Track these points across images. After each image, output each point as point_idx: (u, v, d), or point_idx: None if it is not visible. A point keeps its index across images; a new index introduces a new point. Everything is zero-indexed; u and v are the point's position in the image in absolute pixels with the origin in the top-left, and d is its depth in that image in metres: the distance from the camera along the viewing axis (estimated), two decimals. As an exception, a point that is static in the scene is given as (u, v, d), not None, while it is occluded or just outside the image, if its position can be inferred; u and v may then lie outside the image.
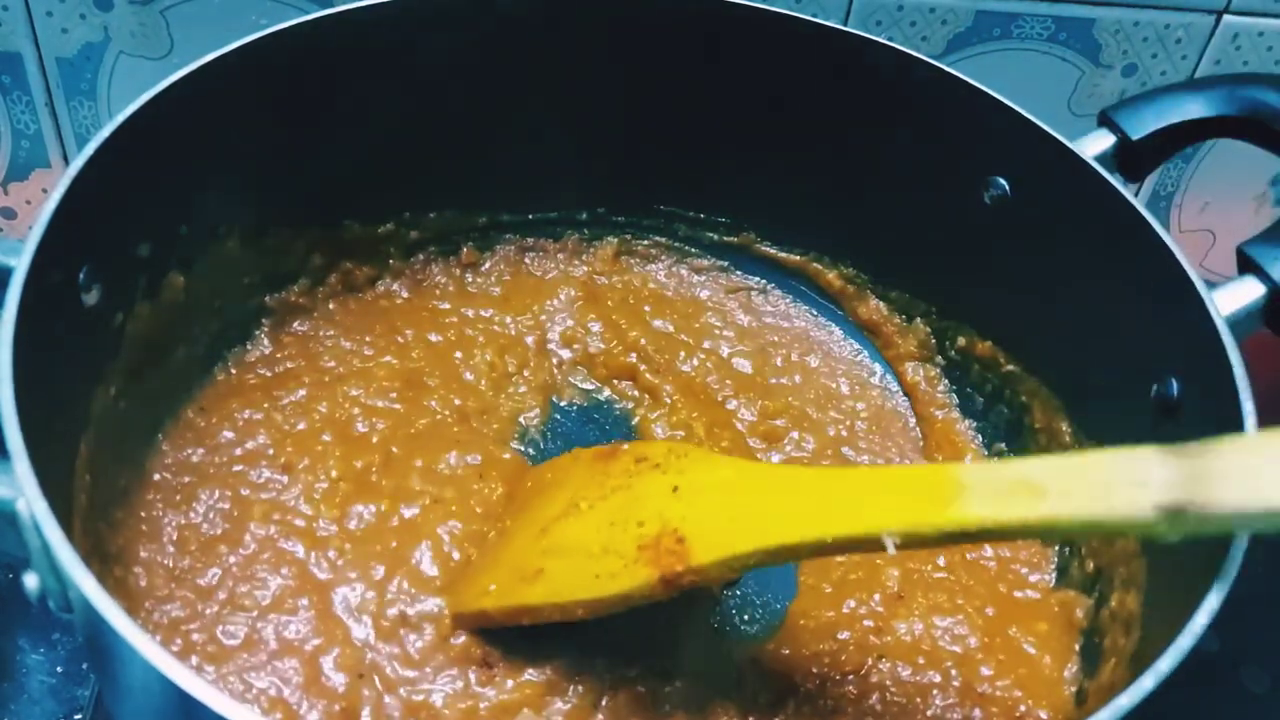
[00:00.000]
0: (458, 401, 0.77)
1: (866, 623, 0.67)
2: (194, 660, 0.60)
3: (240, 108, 0.69)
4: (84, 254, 0.60)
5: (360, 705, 0.60)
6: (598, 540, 0.60)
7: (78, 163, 0.58)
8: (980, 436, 0.81)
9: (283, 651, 0.61)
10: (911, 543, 0.50)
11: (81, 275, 0.60)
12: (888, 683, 0.64)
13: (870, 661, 0.65)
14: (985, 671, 0.66)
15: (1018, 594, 0.71)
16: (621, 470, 0.64)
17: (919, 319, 0.85)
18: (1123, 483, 0.46)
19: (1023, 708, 0.64)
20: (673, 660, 0.63)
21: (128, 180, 0.62)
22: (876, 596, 0.68)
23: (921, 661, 0.66)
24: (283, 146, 0.74)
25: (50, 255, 0.55)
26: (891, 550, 0.50)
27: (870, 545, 0.51)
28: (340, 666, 0.61)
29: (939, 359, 0.84)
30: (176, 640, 0.61)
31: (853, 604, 0.68)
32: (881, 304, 0.86)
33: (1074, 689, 0.66)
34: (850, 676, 0.64)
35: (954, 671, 0.65)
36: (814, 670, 0.65)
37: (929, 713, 0.64)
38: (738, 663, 0.65)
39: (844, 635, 0.66)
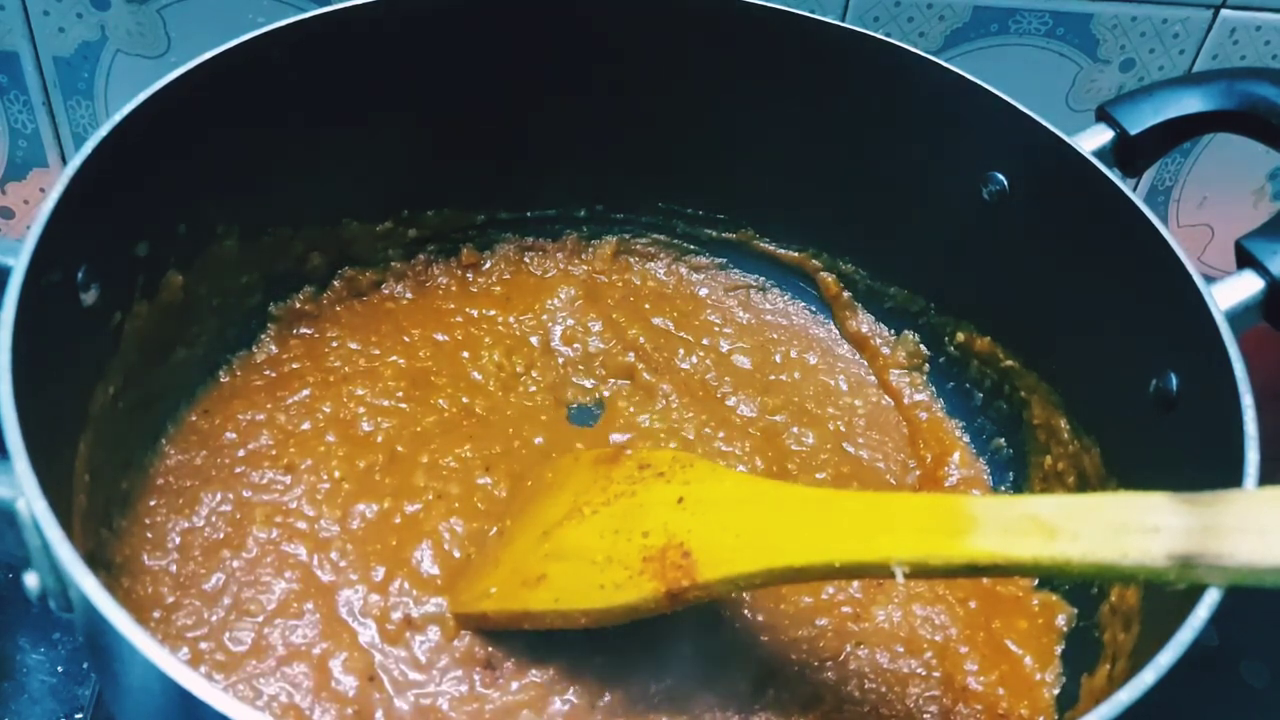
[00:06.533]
0: (465, 400, 0.77)
1: (845, 609, 0.67)
2: (203, 669, 0.60)
3: (238, 107, 0.69)
4: (82, 253, 0.60)
5: (373, 709, 0.60)
6: (601, 548, 0.60)
7: (75, 162, 0.58)
8: (969, 435, 0.81)
9: (291, 656, 0.61)
10: (920, 573, 0.50)
11: (80, 275, 0.60)
12: (866, 670, 0.65)
13: (849, 648, 0.65)
14: (970, 667, 0.66)
15: (1000, 589, 0.71)
16: (624, 476, 0.64)
17: (908, 330, 0.85)
18: (1135, 528, 0.46)
19: (1004, 705, 0.64)
20: (664, 655, 0.63)
21: (125, 179, 0.62)
22: (855, 583, 0.68)
23: (900, 650, 0.66)
24: (280, 145, 0.73)
25: (48, 255, 0.55)
26: (900, 579, 0.49)
27: (878, 572, 0.50)
28: (350, 669, 0.61)
29: (928, 366, 0.85)
30: (184, 649, 0.61)
31: (831, 590, 0.68)
32: (870, 317, 0.87)
33: (1055, 692, 0.66)
34: (829, 663, 0.65)
35: (934, 661, 0.66)
36: (792, 656, 0.65)
37: (908, 702, 0.64)
38: (719, 651, 0.65)
39: (822, 621, 0.67)
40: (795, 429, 0.79)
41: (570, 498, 0.65)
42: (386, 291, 0.84)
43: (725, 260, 0.91)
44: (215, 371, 0.76)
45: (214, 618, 0.63)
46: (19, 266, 0.53)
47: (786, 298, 0.90)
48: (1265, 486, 0.51)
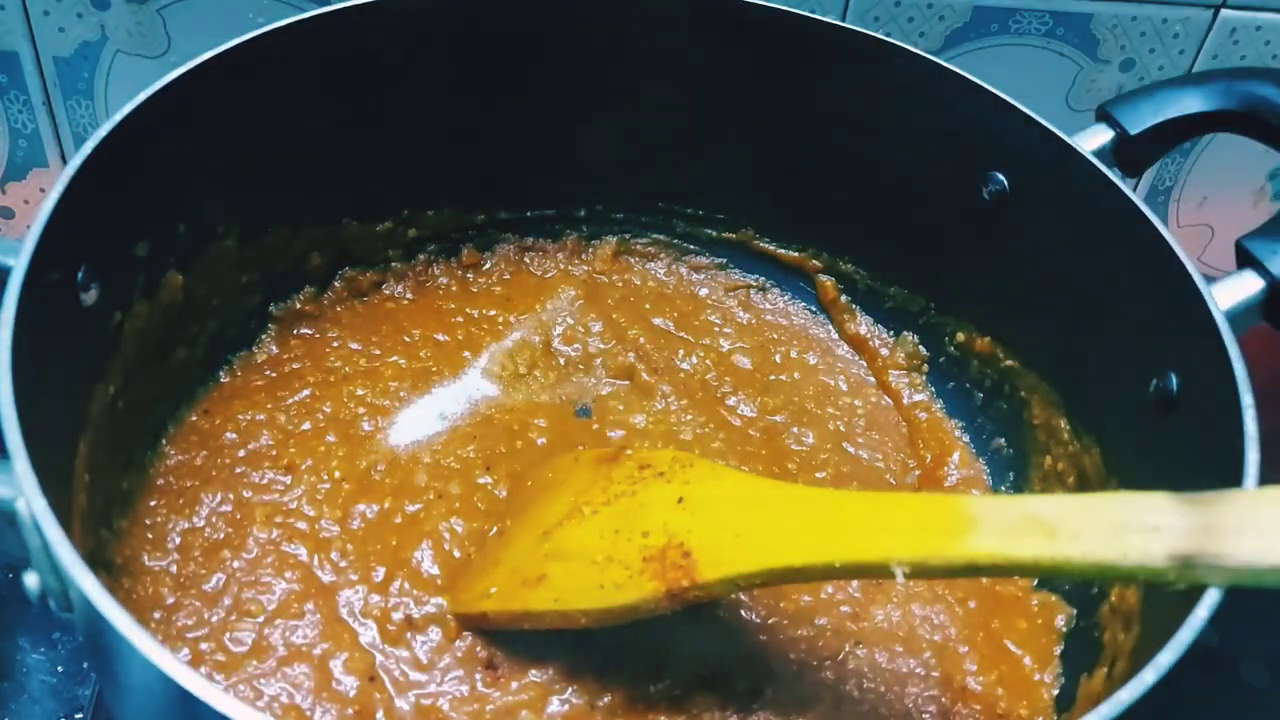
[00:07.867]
0: (465, 400, 0.77)
1: (844, 609, 0.67)
2: (204, 670, 0.60)
3: (237, 107, 0.69)
4: (82, 253, 0.60)
5: (374, 709, 0.60)
6: (601, 548, 0.60)
7: (75, 162, 0.58)
8: (969, 435, 0.81)
9: (292, 657, 0.61)
10: (920, 573, 0.50)
11: (80, 274, 0.60)
12: (865, 669, 0.65)
13: (847, 648, 0.65)
14: (969, 666, 0.66)
15: (999, 589, 0.71)
16: (625, 476, 0.64)
17: (908, 331, 0.85)
18: (1135, 528, 0.46)
19: (1003, 706, 0.64)
20: (664, 655, 0.63)
21: (125, 179, 0.62)
22: (855, 583, 0.68)
23: (899, 649, 0.66)
24: (280, 145, 0.73)
25: (48, 254, 0.55)
26: (900, 579, 0.49)
27: (878, 572, 0.50)
28: (350, 670, 0.61)
29: (927, 367, 0.85)
30: (185, 650, 0.61)
31: (831, 589, 0.68)
32: (869, 319, 0.87)
33: (1054, 692, 0.66)
34: (828, 662, 0.65)
35: (933, 661, 0.66)
36: (791, 656, 0.65)
37: (907, 702, 0.64)
38: (718, 651, 0.64)
39: (821, 621, 0.66)
40: (795, 429, 0.79)
41: (570, 497, 0.65)
42: (387, 291, 0.84)
43: (725, 260, 0.91)
44: (215, 371, 0.76)
45: (214, 618, 0.63)
46: (19, 266, 0.53)
47: (786, 298, 0.90)
48: (1265, 486, 0.51)
